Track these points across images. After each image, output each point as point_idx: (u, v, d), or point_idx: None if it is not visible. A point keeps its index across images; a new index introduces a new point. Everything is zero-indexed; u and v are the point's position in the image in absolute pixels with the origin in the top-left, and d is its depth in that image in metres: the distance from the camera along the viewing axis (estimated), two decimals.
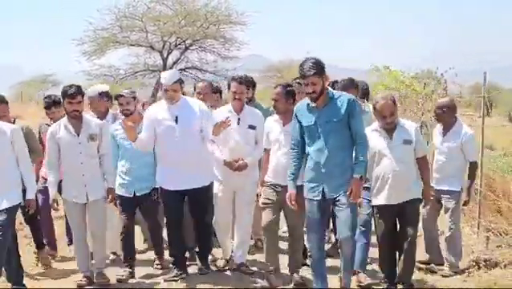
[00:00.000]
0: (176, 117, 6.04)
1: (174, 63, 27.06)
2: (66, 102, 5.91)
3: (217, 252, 6.88)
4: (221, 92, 7.76)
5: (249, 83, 7.04)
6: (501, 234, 7.46)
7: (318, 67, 5.14)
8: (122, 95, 6.48)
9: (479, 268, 6.43)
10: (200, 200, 6.23)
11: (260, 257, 6.68)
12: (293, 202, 5.50)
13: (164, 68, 26.45)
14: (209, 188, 6.33)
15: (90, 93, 6.85)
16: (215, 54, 27.47)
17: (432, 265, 6.48)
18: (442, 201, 6.49)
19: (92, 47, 25.91)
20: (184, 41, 26.55)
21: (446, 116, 6.60)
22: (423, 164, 5.73)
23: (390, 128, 5.64)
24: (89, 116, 6.26)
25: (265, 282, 6.06)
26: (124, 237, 6.51)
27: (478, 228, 7.84)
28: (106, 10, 25.38)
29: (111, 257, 6.93)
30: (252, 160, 6.29)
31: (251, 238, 7.13)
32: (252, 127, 6.31)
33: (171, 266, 6.41)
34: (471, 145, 6.53)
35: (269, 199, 5.98)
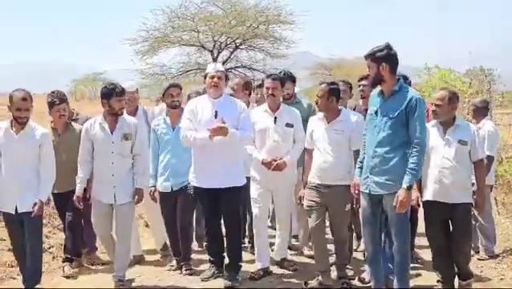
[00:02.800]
0: (216, 112, 5.92)
1: (224, 61, 27.39)
2: (114, 100, 5.79)
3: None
4: (250, 89, 7.43)
5: (289, 78, 6.82)
6: None
7: (376, 52, 4.99)
8: (175, 86, 6.50)
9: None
10: (232, 200, 6.03)
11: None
12: (356, 191, 5.35)
13: None
14: (242, 189, 6.15)
15: (128, 89, 6.63)
16: (264, 53, 27.71)
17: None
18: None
19: (145, 47, 26.52)
20: (234, 40, 26.91)
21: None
22: (477, 168, 5.42)
23: (446, 125, 5.43)
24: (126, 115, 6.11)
25: (315, 282, 5.89)
26: (170, 232, 6.53)
27: None
28: (159, 10, 26.05)
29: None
30: (290, 159, 6.14)
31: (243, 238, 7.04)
32: (289, 125, 6.18)
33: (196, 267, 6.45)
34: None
35: (313, 201, 5.82)
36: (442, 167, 5.35)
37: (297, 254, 7.02)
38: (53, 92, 6.62)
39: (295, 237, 7.29)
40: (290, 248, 6.94)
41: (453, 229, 5.41)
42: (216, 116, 5.86)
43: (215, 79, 5.95)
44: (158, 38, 26.30)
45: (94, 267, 6.78)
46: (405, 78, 5.54)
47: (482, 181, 5.45)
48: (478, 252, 6.87)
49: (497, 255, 6.85)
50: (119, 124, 5.89)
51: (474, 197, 5.41)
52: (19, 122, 5.45)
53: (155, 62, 27.22)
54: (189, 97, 6.90)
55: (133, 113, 6.69)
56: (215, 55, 27.13)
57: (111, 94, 5.82)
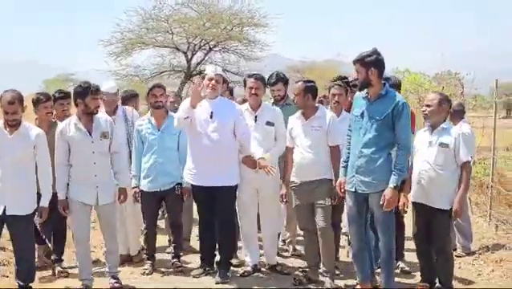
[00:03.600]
0: (212, 113, 6.06)
1: (198, 63, 27.56)
2: (90, 98, 5.69)
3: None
4: (231, 91, 7.80)
5: (281, 80, 6.94)
6: (509, 223, 8.16)
7: (365, 57, 5.19)
8: (159, 86, 6.53)
9: (488, 250, 7.16)
10: (226, 199, 6.15)
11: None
12: (342, 190, 5.51)
13: (189, 69, 27.14)
14: (235, 189, 6.26)
15: (108, 90, 6.69)
16: (238, 55, 27.89)
17: None
18: None
19: (119, 48, 26.47)
20: (208, 42, 26.99)
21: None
22: (461, 171, 5.49)
23: (434, 128, 5.58)
24: (100, 113, 6.06)
25: (303, 277, 6.07)
26: (148, 233, 6.55)
27: (490, 219, 8.57)
28: (133, 11, 26.03)
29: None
30: (271, 156, 6.18)
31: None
32: (270, 123, 6.28)
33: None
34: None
35: (300, 200, 6.00)
36: (422, 169, 5.54)
37: (285, 256, 7.14)
38: (38, 92, 6.61)
39: (283, 241, 7.39)
40: (278, 254, 6.99)
41: (432, 232, 5.61)
42: (212, 117, 6.02)
43: (213, 82, 6.10)
44: (132, 40, 26.21)
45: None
46: (387, 79, 5.85)
47: (464, 185, 5.51)
48: (456, 250, 7.19)
49: (474, 252, 7.22)
50: (96, 123, 5.81)
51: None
52: (9, 124, 5.40)
53: (129, 63, 27.20)
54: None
55: (112, 113, 6.74)
56: (189, 57, 27.23)
57: (87, 93, 5.72)
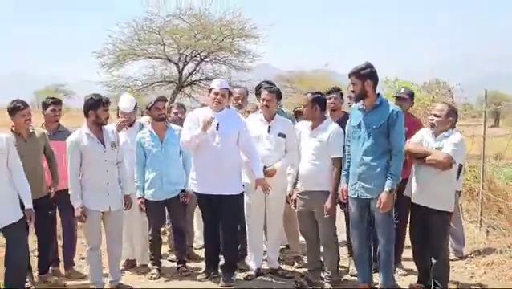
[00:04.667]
0: (218, 124, 6.27)
1: (190, 74, 27.78)
2: (101, 110, 5.96)
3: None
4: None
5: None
6: (499, 228, 8.47)
7: (360, 70, 5.49)
8: (162, 100, 6.74)
9: (479, 254, 7.46)
10: (230, 207, 6.35)
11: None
12: (344, 197, 5.77)
13: (180, 79, 27.36)
14: (240, 197, 6.51)
15: (124, 110, 6.93)
16: (229, 66, 28.15)
17: None
18: None
19: (111, 59, 26.65)
20: (199, 53, 27.19)
21: None
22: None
23: (433, 128, 5.85)
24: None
25: (304, 280, 6.30)
26: (153, 240, 6.75)
27: (480, 224, 8.88)
28: (125, 23, 26.28)
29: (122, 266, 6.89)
30: (281, 167, 6.46)
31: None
32: (282, 135, 6.49)
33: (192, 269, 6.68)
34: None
35: (302, 207, 6.25)
36: (420, 170, 5.83)
37: (289, 263, 7.30)
38: (14, 100, 6.49)
39: (287, 246, 7.58)
40: (280, 259, 7.19)
41: (428, 232, 5.87)
42: (218, 128, 6.24)
43: (219, 96, 6.33)
44: (124, 51, 26.39)
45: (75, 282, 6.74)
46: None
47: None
48: (449, 254, 7.46)
49: (466, 256, 7.51)
50: (105, 133, 6.09)
51: None
52: None
53: (120, 74, 27.37)
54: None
55: (129, 125, 7.03)
56: (180, 68, 27.41)
57: (98, 104, 5.99)
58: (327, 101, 6.75)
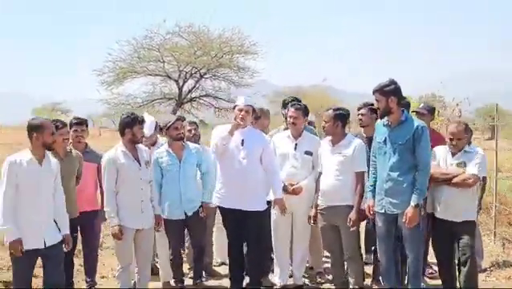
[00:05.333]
0: (243, 140, 6.28)
1: (189, 91, 28.04)
2: (137, 128, 5.94)
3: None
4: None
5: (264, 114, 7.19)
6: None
7: (384, 86, 5.53)
8: (180, 119, 6.68)
9: (498, 267, 7.48)
10: (254, 223, 6.31)
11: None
12: (371, 212, 5.79)
13: (180, 96, 27.56)
14: (264, 214, 6.44)
15: (145, 130, 6.61)
16: (228, 82, 28.37)
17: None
18: None
19: (111, 77, 26.82)
20: (199, 70, 27.45)
21: None
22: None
23: (455, 150, 5.87)
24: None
25: None
26: (174, 259, 6.68)
27: (494, 237, 8.93)
28: (124, 41, 26.49)
29: None
30: (308, 184, 6.43)
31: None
32: (309, 152, 6.50)
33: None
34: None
35: (325, 222, 6.23)
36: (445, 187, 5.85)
37: (312, 279, 7.19)
38: (54, 120, 6.34)
39: (311, 268, 7.43)
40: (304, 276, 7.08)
41: (455, 244, 5.89)
42: (243, 144, 6.29)
43: (243, 112, 6.31)
44: (124, 69, 26.60)
45: None
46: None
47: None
48: (476, 264, 7.45)
49: (485, 269, 7.50)
50: (139, 152, 6.06)
51: None
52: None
53: (120, 92, 27.57)
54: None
55: (151, 144, 6.99)
56: (180, 85, 27.66)
57: (134, 123, 5.95)
58: (358, 117, 6.78)
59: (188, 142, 6.83)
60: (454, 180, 5.74)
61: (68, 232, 5.46)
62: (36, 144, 5.27)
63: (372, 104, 6.52)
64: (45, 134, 5.26)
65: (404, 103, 6.30)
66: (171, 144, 6.67)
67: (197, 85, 28.28)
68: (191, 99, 28.29)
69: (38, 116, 5.51)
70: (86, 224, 6.48)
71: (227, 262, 7.11)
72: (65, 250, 5.50)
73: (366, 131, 6.78)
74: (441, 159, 5.93)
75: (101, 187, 6.55)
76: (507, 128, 35.70)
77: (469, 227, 5.85)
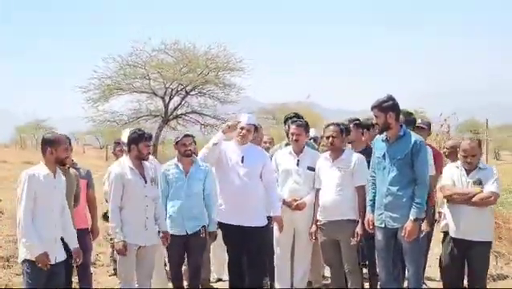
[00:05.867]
0: (243, 157, 6.41)
1: (175, 108, 27.88)
2: (143, 145, 5.93)
3: None
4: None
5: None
6: (504, 255, 8.58)
7: (382, 102, 5.61)
8: (188, 136, 6.66)
9: (494, 280, 7.54)
10: (254, 239, 6.38)
11: None
12: (370, 227, 5.84)
13: (166, 113, 27.42)
14: (265, 230, 6.51)
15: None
16: (214, 99, 28.32)
17: None
18: None
19: (97, 94, 26.65)
20: (184, 87, 27.36)
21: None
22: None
23: (470, 167, 5.94)
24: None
25: None
26: (174, 277, 6.60)
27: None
28: (110, 58, 26.36)
29: None
30: (311, 200, 6.49)
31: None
32: (311, 168, 6.56)
33: None
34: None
35: (326, 237, 6.29)
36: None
37: None
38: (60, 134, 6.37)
39: (310, 283, 7.36)
40: None
41: (467, 264, 5.97)
42: (243, 161, 6.38)
43: (244, 131, 6.46)
44: (109, 86, 26.45)
45: None
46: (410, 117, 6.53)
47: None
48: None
49: None
50: (145, 169, 6.04)
51: None
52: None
53: (106, 109, 27.38)
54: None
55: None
56: (166, 102, 27.51)
57: (141, 139, 5.95)
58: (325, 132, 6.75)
59: (198, 159, 6.71)
60: (474, 199, 5.79)
61: (78, 246, 5.52)
62: (50, 159, 5.32)
63: (358, 120, 6.62)
64: (59, 149, 5.33)
65: (409, 120, 6.54)
66: (180, 158, 6.62)
67: (183, 102, 28.13)
68: (177, 116, 28.16)
69: (52, 131, 5.50)
70: (79, 242, 6.28)
71: (223, 278, 7.09)
72: (74, 264, 5.60)
73: (353, 146, 6.89)
74: (456, 178, 5.98)
75: (88, 203, 6.65)
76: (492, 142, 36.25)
77: (485, 249, 5.89)
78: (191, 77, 26.81)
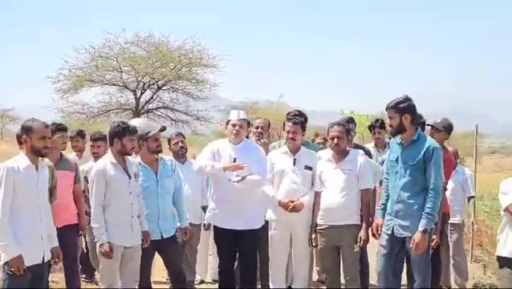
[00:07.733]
0: (235, 159, 6.04)
1: (147, 102, 27.57)
2: (127, 139, 5.46)
3: None
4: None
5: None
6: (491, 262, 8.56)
7: (398, 103, 5.27)
8: (164, 130, 6.10)
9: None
10: (249, 242, 6.14)
11: None
12: (379, 231, 5.58)
13: (137, 107, 27.05)
14: (259, 232, 6.24)
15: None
16: (186, 95, 28.04)
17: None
18: (447, 233, 7.25)
19: (67, 85, 26.15)
20: (157, 82, 27.05)
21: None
22: None
23: None
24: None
25: None
26: (142, 280, 5.88)
27: (471, 258, 8.98)
28: (82, 48, 25.88)
29: None
30: (308, 200, 6.16)
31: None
32: (308, 167, 6.23)
33: None
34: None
35: (325, 243, 6.01)
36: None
37: None
38: (54, 123, 6.16)
39: None
40: None
41: None
42: (235, 162, 6.03)
43: (236, 128, 6.12)
44: (80, 77, 25.98)
45: None
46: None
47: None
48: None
49: None
50: (128, 164, 5.59)
51: None
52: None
53: (76, 100, 26.90)
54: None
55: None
56: (138, 95, 27.17)
57: (125, 133, 5.46)
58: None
59: (165, 156, 6.30)
60: None
61: (57, 244, 5.08)
62: (26, 149, 4.83)
63: (344, 124, 6.25)
64: (34, 138, 4.81)
65: (419, 123, 5.94)
66: (144, 156, 5.97)
67: (155, 96, 27.86)
68: (148, 111, 27.79)
69: (34, 118, 4.86)
70: (63, 239, 5.63)
71: (206, 280, 6.87)
72: (53, 264, 5.21)
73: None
74: None
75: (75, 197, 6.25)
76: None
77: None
78: (164, 71, 26.55)
